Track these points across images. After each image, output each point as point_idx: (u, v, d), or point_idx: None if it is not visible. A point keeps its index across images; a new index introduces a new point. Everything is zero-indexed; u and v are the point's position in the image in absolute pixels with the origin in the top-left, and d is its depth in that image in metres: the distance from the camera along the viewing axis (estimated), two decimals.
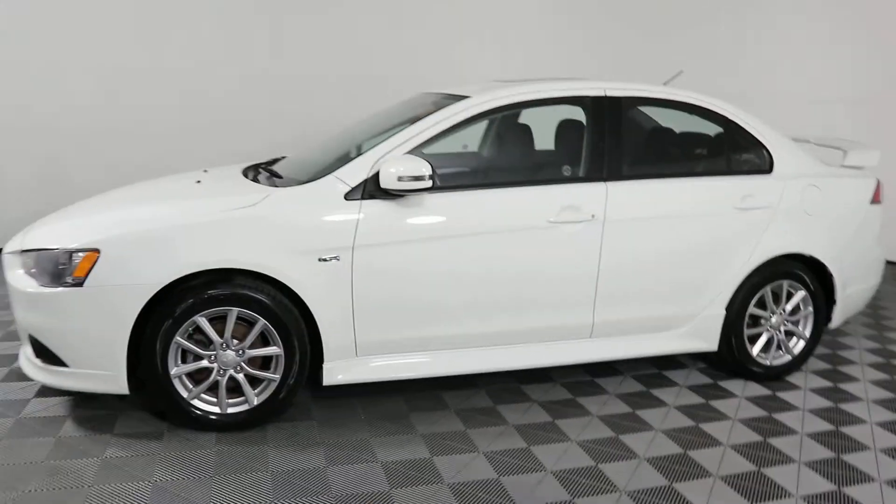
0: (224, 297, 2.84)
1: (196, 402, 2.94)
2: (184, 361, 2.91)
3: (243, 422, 3.00)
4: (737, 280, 3.58)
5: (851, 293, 3.91)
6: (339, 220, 2.94)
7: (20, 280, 2.86)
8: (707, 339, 3.64)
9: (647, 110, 3.70)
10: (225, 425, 2.98)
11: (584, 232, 3.25)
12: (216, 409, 2.96)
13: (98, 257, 2.75)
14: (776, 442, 3.10)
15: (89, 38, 5.75)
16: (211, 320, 2.88)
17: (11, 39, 5.54)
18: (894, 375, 3.91)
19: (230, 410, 2.97)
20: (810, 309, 3.79)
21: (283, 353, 2.96)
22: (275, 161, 3.86)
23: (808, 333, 3.82)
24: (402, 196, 3.00)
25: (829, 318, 3.89)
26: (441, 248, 3.07)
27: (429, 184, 2.90)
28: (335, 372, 3.08)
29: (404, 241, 3.02)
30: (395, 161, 2.92)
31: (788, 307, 3.75)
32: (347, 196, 2.98)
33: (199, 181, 3.40)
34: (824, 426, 3.28)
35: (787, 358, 3.81)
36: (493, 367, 3.32)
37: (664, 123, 3.74)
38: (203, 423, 2.96)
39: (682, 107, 3.64)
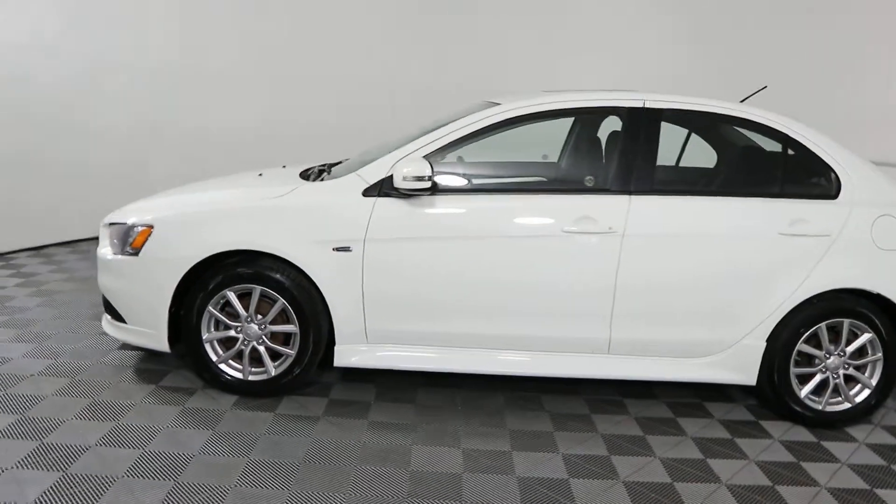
0: (248, 275, 3.22)
1: (223, 367, 3.34)
2: (216, 330, 3.33)
3: (261, 390, 3.35)
4: (781, 311, 3.29)
5: None
6: (353, 214, 3.19)
7: (102, 249, 3.45)
8: (743, 372, 3.38)
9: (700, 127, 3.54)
10: (245, 390, 3.35)
11: (601, 244, 3.20)
12: (239, 375, 3.34)
13: (151, 233, 3.25)
14: (785, 491, 2.84)
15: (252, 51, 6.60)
16: (240, 297, 3.27)
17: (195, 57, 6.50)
18: None
19: (251, 378, 3.34)
20: (879, 355, 3.38)
21: (298, 332, 3.27)
22: (340, 162, 4.21)
23: (874, 382, 3.40)
24: (416, 196, 3.18)
25: None
26: (448, 249, 3.20)
27: (428, 184, 3.06)
28: (346, 355, 3.33)
29: (413, 239, 3.19)
30: (405, 162, 3.11)
31: (849, 349, 3.37)
32: (365, 193, 3.22)
33: (261, 174, 3.83)
34: (857, 484, 2.93)
35: (846, 405, 3.42)
36: (503, 370, 3.37)
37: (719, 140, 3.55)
38: (227, 386, 3.35)
39: (735, 122, 3.44)
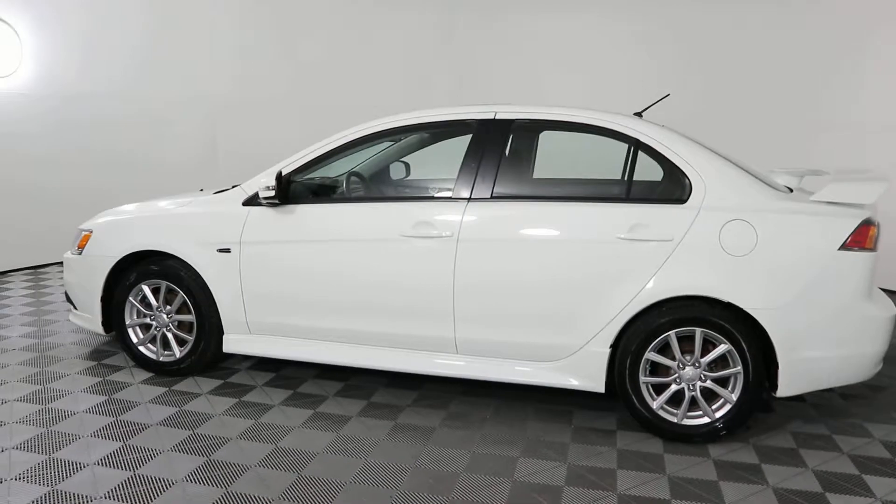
0: (156, 271, 3.86)
1: (142, 348, 3.99)
2: (138, 317, 4.00)
3: (170, 369, 3.94)
4: (622, 318, 3.24)
5: (815, 358, 3.13)
6: (232, 221, 3.72)
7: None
8: (591, 378, 3.35)
9: (554, 134, 3.61)
10: (158, 369, 3.96)
11: (438, 248, 3.41)
12: (153, 356, 3.97)
13: (90, 236, 4.02)
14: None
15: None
16: (156, 291, 3.92)
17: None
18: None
19: (162, 359, 3.96)
20: (739, 368, 3.18)
21: (195, 321, 3.84)
22: None
23: (734, 397, 3.20)
24: (278, 205, 3.63)
25: (773, 384, 3.19)
26: (304, 251, 3.60)
27: (272, 193, 3.50)
28: (233, 343, 3.83)
29: (275, 242, 3.64)
30: (265, 177, 3.59)
31: (704, 360, 3.22)
32: (244, 203, 3.73)
33: (202, 189, 4.49)
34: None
35: (705, 420, 3.25)
36: (364, 364, 3.65)
37: (573, 147, 3.59)
38: (145, 364, 3.99)
39: (586, 129, 3.47)
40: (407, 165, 4.36)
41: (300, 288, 3.63)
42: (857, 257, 3.07)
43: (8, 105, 6.29)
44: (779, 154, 5.53)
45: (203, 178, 7.53)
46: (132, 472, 2.89)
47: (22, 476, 2.84)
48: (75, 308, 4.21)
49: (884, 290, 3.66)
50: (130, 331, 4.00)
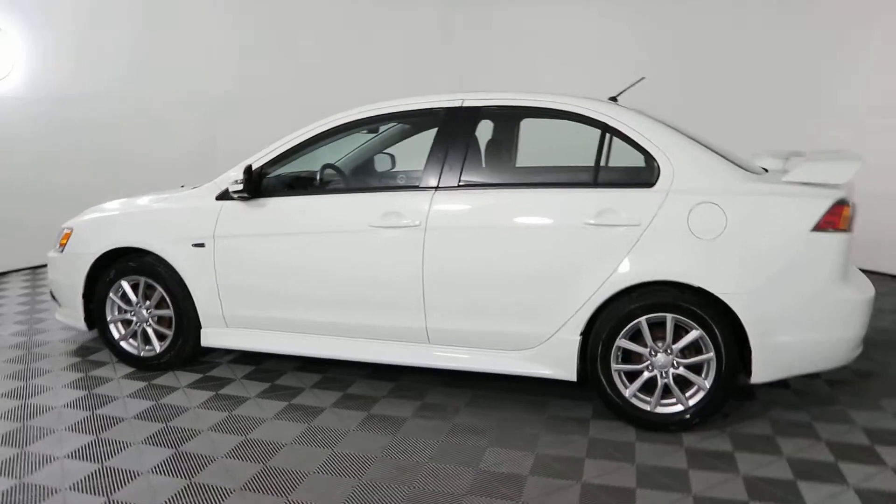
0: (134, 268, 3.89)
1: (123, 344, 4.03)
2: (119, 313, 4.03)
3: (151, 364, 3.97)
4: (592, 304, 3.20)
5: (789, 343, 3.07)
6: (206, 216, 3.73)
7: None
8: (562, 367, 3.32)
9: (528, 121, 3.57)
10: (139, 364, 4.00)
11: (405, 238, 3.39)
12: (134, 351, 4.01)
13: (71, 234, 4.06)
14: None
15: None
16: (135, 286, 3.95)
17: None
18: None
19: (142, 354, 3.99)
20: (711, 354, 3.12)
21: (173, 316, 3.86)
22: None
23: (708, 384, 3.14)
24: (249, 199, 3.63)
25: (748, 371, 3.13)
26: (277, 244, 3.60)
27: (239, 187, 3.50)
28: (210, 337, 3.85)
29: (247, 235, 3.65)
30: (235, 171, 3.59)
31: (676, 346, 3.16)
32: (217, 197, 3.74)
33: (182, 185, 4.51)
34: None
35: (678, 408, 3.20)
36: (336, 355, 3.65)
37: (544, 133, 3.55)
38: (127, 359, 4.03)
39: (555, 114, 3.42)
40: (392, 157, 4.34)
41: (271, 281, 3.64)
42: (831, 238, 3.00)
43: (2, 108, 6.37)
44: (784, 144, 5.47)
45: (202, 176, 7.54)
46: (100, 465, 2.91)
47: None
48: (59, 305, 4.26)
49: (867, 272, 3.58)
50: (112, 327, 4.03)
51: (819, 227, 3.00)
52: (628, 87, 3.89)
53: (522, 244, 3.27)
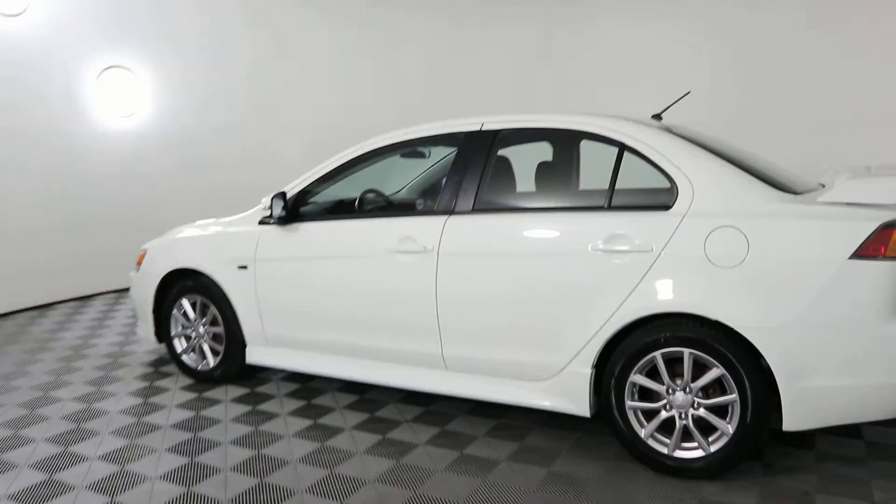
0: (191, 287, 4.21)
1: (184, 357, 4.36)
2: (182, 329, 4.37)
3: (206, 377, 4.26)
4: (602, 336, 2.99)
5: (825, 388, 2.67)
6: (249, 239, 3.96)
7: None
8: (574, 401, 3.11)
9: (537, 143, 3.44)
10: (196, 376, 4.30)
11: (419, 263, 3.38)
12: (193, 365, 4.32)
13: (146, 254, 4.48)
14: None
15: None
16: (194, 304, 4.27)
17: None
18: None
19: (199, 368, 4.29)
20: (735, 395, 2.79)
21: (223, 332, 4.13)
22: None
23: (731, 429, 2.81)
24: (287, 224, 3.81)
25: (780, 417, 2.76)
26: (306, 267, 3.74)
27: (267, 213, 3.68)
28: (254, 355, 4.06)
29: (281, 259, 3.83)
30: (268, 197, 3.79)
31: (696, 385, 2.86)
32: (260, 222, 3.96)
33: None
34: None
35: (699, 453, 2.88)
36: (368, 378, 3.69)
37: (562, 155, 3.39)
38: (188, 372, 4.35)
39: (573, 135, 3.30)
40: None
41: (302, 302, 3.78)
42: (875, 267, 2.58)
43: (129, 144, 7.18)
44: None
45: None
46: (120, 468, 3.17)
47: (32, 465, 3.23)
48: (139, 321, 4.70)
49: None
50: (175, 341, 4.38)
51: (860, 253, 2.59)
52: (673, 103, 3.64)
53: (530, 269, 3.14)
